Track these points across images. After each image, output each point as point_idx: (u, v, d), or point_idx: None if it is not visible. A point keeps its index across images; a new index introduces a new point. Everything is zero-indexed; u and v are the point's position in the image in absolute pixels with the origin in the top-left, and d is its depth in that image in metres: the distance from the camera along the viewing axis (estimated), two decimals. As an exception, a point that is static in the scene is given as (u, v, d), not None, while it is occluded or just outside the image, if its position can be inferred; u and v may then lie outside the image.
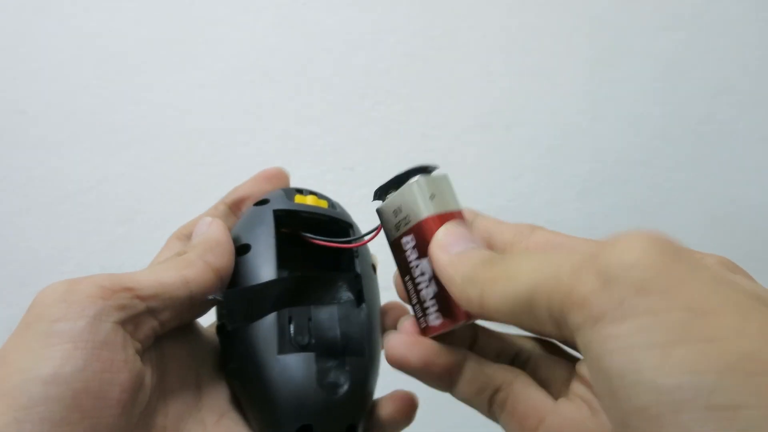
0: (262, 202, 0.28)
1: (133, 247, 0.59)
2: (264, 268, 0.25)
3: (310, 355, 0.24)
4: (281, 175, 0.32)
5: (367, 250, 0.29)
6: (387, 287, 0.28)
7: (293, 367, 0.23)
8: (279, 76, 0.60)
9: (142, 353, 0.22)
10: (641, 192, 0.64)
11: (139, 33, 0.59)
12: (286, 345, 0.24)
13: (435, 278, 0.23)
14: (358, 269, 0.27)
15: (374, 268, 0.29)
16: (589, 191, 0.64)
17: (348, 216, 0.30)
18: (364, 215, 0.31)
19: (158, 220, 0.59)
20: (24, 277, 0.58)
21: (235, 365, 0.25)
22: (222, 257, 0.25)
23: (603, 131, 0.64)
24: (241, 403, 0.25)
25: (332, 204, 0.30)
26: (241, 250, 0.26)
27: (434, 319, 0.23)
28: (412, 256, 0.23)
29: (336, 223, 0.28)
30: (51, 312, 0.20)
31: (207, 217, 0.27)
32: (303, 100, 0.60)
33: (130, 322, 0.21)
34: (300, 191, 0.30)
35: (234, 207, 0.31)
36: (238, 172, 0.60)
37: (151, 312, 0.22)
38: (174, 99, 0.59)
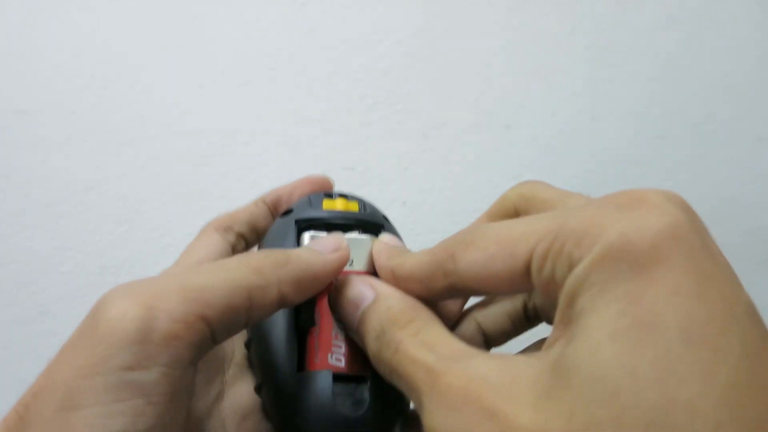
0: (286, 213, 0.28)
1: (133, 247, 0.59)
2: None
3: (326, 373, 0.23)
4: (324, 182, 0.31)
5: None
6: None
7: (311, 386, 0.23)
8: (279, 76, 0.60)
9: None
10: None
11: (139, 33, 0.59)
12: (305, 362, 0.24)
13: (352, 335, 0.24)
14: None
15: None
16: (589, 191, 0.63)
17: (379, 216, 0.28)
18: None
19: (158, 220, 0.59)
20: (24, 277, 0.58)
21: (258, 382, 0.25)
22: (301, 296, 0.22)
23: (603, 131, 0.64)
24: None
25: (363, 205, 0.28)
26: None
27: (334, 360, 0.24)
28: None
29: (364, 226, 0.27)
30: (122, 357, 0.17)
31: (339, 240, 0.24)
32: (303, 100, 0.60)
33: (198, 355, 0.19)
34: (330, 195, 0.29)
35: (272, 207, 0.30)
36: (238, 172, 0.61)
37: (213, 336, 0.20)
38: (174, 99, 0.59)
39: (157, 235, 0.59)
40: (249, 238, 0.29)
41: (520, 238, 0.18)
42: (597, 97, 0.63)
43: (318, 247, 0.23)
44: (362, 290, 0.23)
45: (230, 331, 0.20)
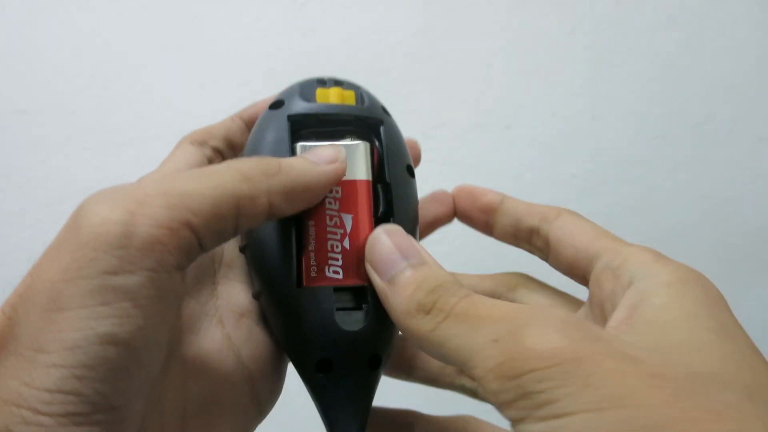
0: (277, 105, 0.26)
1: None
2: None
3: (328, 290, 0.23)
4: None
5: (399, 147, 0.26)
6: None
7: (311, 302, 0.23)
8: (279, 76, 0.60)
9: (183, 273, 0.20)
10: (641, 192, 0.64)
11: (139, 33, 0.59)
12: (301, 276, 0.23)
13: (350, 237, 0.23)
14: (387, 177, 0.25)
15: (411, 169, 0.26)
16: (589, 191, 0.64)
17: (378, 110, 0.26)
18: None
19: (158, 220, 0.59)
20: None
21: (256, 290, 0.24)
22: (291, 207, 0.21)
23: (603, 131, 0.64)
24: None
25: (360, 95, 0.27)
26: None
27: (331, 272, 0.23)
28: (332, 205, 0.23)
29: (363, 122, 0.25)
30: (106, 261, 0.17)
31: (337, 152, 0.23)
32: (303, 100, 0.60)
33: (184, 260, 0.19)
34: (323, 82, 0.27)
35: (249, 123, 0.29)
36: (238, 172, 0.60)
37: (199, 243, 0.19)
38: (174, 99, 0.59)
39: (157, 235, 0.59)
40: (225, 153, 0.28)
41: (609, 236, 0.24)
42: (597, 97, 0.63)
43: (313, 158, 0.23)
44: (409, 246, 0.22)
45: (219, 239, 0.20)
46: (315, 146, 0.23)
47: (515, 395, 0.17)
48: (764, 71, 0.65)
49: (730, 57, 0.65)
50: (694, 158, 0.65)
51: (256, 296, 0.24)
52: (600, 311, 0.22)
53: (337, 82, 0.27)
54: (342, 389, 0.23)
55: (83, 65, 0.58)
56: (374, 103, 0.27)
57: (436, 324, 0.20)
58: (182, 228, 0.18)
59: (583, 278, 0.24)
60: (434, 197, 0.30)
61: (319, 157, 0.23)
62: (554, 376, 0.16)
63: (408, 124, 0.64)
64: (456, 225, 0.31)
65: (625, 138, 0.64)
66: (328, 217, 0.23)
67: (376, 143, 0.25)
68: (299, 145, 0.24)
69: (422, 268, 0.21)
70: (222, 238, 0.20)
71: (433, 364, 0.29)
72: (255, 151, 0.25)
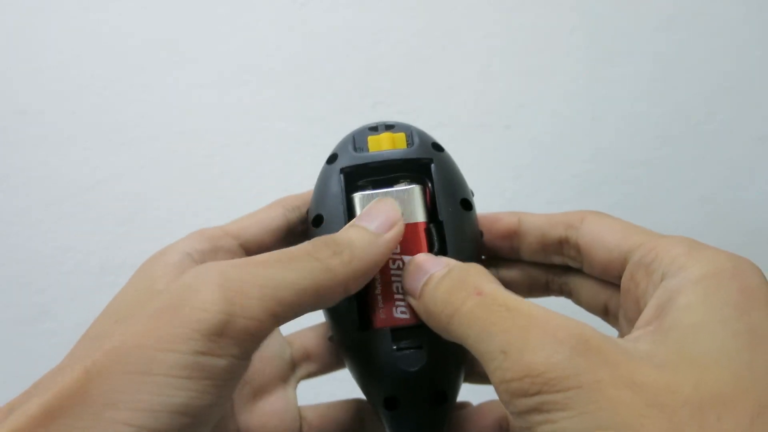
0: (332, 159, 0.28)
1: (133, 247, 0.59)
2: None
3: (386, 332, 0.24)
4: None
5: (451, 183, 0.27)
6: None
7: (372, 345, 0.24)
8: (279, 76, 0.60)
9: None
10: (641, 192, 0.64)
11: (139, 33, 0.59)
12: (370, 318, 0.25)
13: None
14: (440, 215, 0.26)
15: (466, 203, 0.27)
16: (589, 191, 0.64)
17: (427, 149, 0.28)
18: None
19: (158, 220, 0.59)
20: (24, 277, 0.58)
21: (330, 334, 0.26)
22: (362, 284, 0.23)
23: (603, 131, 0.64)
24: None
25: (411, 136, 0.28)
26: (315, 222, 0.26)
27: (399, 313, 0.24)
28: (395, 250, 0.25)
29: (413, 164, 0.27)
30: (202, 343, 0.19)
31: (393, 211, 0.24)
32: (303, 100, 0.60)
33: (259, 346, 0.20)
34: (374, 129, 0.28)
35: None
36: (238, 172, 0.61)
37: (273, 329, 0.21)
38: (174, 99, 0.59)
39: (157, 235, 0.59)
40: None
41: (639, 230, 0.24)
42: (597, 97, 0.63)
43: (373, 225, 0.23)
44: (433, 263, 0.23)
45: (295, 315, 0.21)
46: (371, 195, 0.25)
47: (521, 410, 0.18)
48: (764, 71, 0.65)
49: (730, 57, 0.65)
50: (694, 158, 0.65)
51: (330, 339, 0.27)
52: (635, 308, 0.22)
53: (388, 126, 0.28)
54: (408, 425, 0.25)
55: (83, 65, 0.58)
56: (424, 143, 0.28)
57: (449, 318, 0.21)
58: (269, 319, 0.20)
59: (618, 278, 0.24)
60: None
61: (380, 224, 0.23)
62: (557, 401, 0.17)
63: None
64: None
65: (625, 138, 0.64)
66: (391, 261, 0.25)
67: (429, 185, 0.27)
68: (355, 196, 0.26)
69: (443, 271, 0.22)
70: (297, 315, 0.22)
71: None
72: (316, 205, 0.26)
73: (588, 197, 0.63)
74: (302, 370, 0.30)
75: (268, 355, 0.28)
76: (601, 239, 0.24)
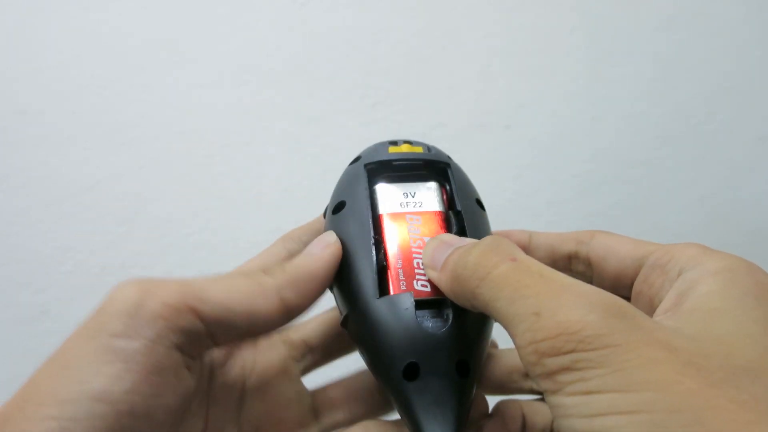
0: (355, 160, 0.29)
1: (133, 247, 0.59)
2: (358, 222, 0.26)
3: (408, 295, 0.24)
4: None
5: (466, 185, 0.29)
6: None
7: (392, 309, 0.24)
8: (279, 76, 0.60)
9: (192, 366, 0.22)
10: (641, 192, 0.64)
11: (139, 33, 0.59)
12: (392, 289, 0.25)
13: None
14: (458, 206, 0.27)
15: (480, 203, 0.29)
16: (589, 191, 0.64)
17: (445, 156, 0.30)
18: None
19: (158, 220, 0.59)
20: (24, 277, 0.58)
21: (344, 314, 0.26)
22: (303, 296, 0.24)
23: (603, 131, 0.64)
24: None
25: (428, 148, 0.30)
26: (338, 208, 0.27)
27: (419, 286, 0.25)
28: (415, 231, 0.26)
29: (431, 165, 0.28)
30: (114, 325, 0.20)
31: (329, 237, 0.26)
32: (303, 100, 0.60)
33: (186, 343, 0.21)
34: (394, 142, 0.30)
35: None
36: (238, 172, 0.61)
37: (209, 334, 0.22)
38: (174, 99, 0.59)
39: (157, 235, 0.59)
40: None
41: (649, 244, 0.25)
42: (597, 97, 0.63)
43: (312, 249, 0.25)
44: (459, 239, 0.24)
45: (232, 332, 0.22)
46: (393, 187, 0.27)
47: (551, 370, 0.18)
48: (764, 71, 0.65)
49: (730, 57, 0.65)
50: (694, 158, 0.65)
51: (343, 323, 0.26)
52: (649, 308, 0.23)
53: (407, 141, 0.30)
54: (431, 395, 0.23)
55: (83, 65, 0.58)
56: (440, 152, 0.30)
57: (480, 280, 0.20)
58: (187, 310, 0.21)
59: (629, 288, 0.25)
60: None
61: (315, 247, 0.25)
62: (591, 359, 0.17)
63: (408, 124, 0.65)
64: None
65: (625, 138, 0.64)
66: (411, 240, 0.26)
67: (446, 185, 0.28)
68: (377, 187, 0.27)
69: (471, 247, 0.22)
70: (236, 332, 0.23)
71: (498, 372, 0.29)
72: (338, 195, 0.28)
73: (588, 197, 0.63)
74: (306, 360, 0.30)
75: (284, 402, 0.28)
76: (613, 250, 0.25)
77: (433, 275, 0.24)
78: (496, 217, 0.62)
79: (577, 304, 0.18)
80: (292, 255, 0.29)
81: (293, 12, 0.60)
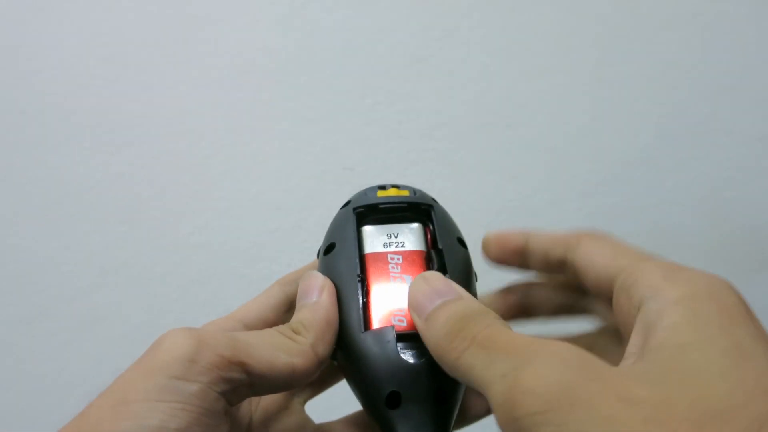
0: (346, 204, 0.31)
1: (133, 247, 0.59)
2: (346, 262, 0.28)
3: (390, 329, 0.26)
4: None
5: (448, 225, 0.31)
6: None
7: (376, 342, 0.26)
8: (279, 76, 0.60)
9: (229, 412, 0.24)
10: (641, 192, 0.64)
11: (138, 33, 0.59)
12: (371, 325, 0.27)
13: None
14: (440, 244, 0.29)
15: (461, 241, 0.31)
16: (589, 191, 0.64)
17: (428, 198, 0.32)
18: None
19: (158, 219, 0.59)
20: (24, 277, 0.58)
21: (338, 357, 0.27)
22: (329, 345, 0.26)
23: (603, 131, 0.64)
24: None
25: (413, 191, 0.32)
26: (328, 249, 0.29)
27: (396, 321, 0.27)
28: (395, 270, 0.28)
29: (416, 208, 0.31)
30: (174, 368, 0.21)
31: (317, 280, 0.28)
32: (303, 100, 0.60)
33: (231, 391, 0.23)
34: (382, 187, 0.32)
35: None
36: (238, 172, 0.61)
37: (251, 385, 0.24)
38: (174, 99, 0.59)
39: (157, 235, 0.59)
40: None
41: (623, 256, 0.24)
42: (597, 97, 0.63)
43: (309, 299, 0.27)
44: (445, 286, 0.25)
45: (272, 386, 0.24)
46: (379, 229, 0.30)
47: None
48: (764, 71, 0.65)
49: (730, 57, 0.65)
50: (694, 158, 0.65)
51: (333, 356, 0.27)
52: (626, 331, 0.23)
53: (395, 185, 0.32)
54: (413, 422, 0.25)
55: (83, 65, 0.58)
56: (425, 195, 0.32)
57: (460, 352, 0.21)
58: (238, 364, 0.23)
59: (611, 302, 0.25)
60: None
61: (312, 294, 0.27)
62: (550, 421, 0.17)
63: (408, 124, 0.65)
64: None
65: (625, 138, 0.64)
66: (392, 278, 0.28)
67: (429, 226, 0.30)
68: (365, 228, 0.30)
69: (457, 302, 0.23)
70: (277, 386, 0.25)
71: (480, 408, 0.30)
72: (329, 237, 0.30)
73: (588, 197, 0.64)
74: (305, 393, 0.32)
75: None
76: (592, 262, 0.25)
77: (418, 321, 0.24)
78: (496, 217, 0.63)
79: (536, 360, 0.18)
80: (289, 299, 0.31)
81: (293, 12, 0.60)
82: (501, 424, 0.18)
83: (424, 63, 0.62)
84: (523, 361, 0.18)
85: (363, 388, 0.27)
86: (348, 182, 0.60)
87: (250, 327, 0.29)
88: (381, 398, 0.25)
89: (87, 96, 0.58)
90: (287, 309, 0.31)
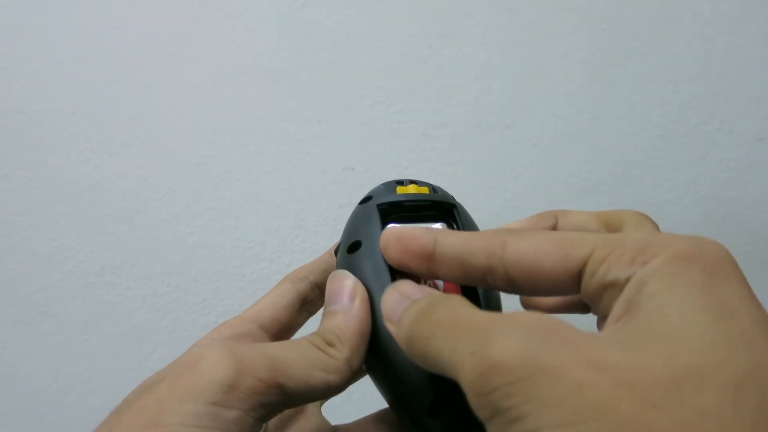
0: (366, 200, 0.30)
1: (133, 247, 0.59)
2: (375, 262, 0.27)
3: None
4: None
5: (472, 224, 0.31)
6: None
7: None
8: (279, 76, 0.60)
9: (261, 427, 0.23)
10: (641, 192, 0.64)
11: (139, 33, 0.59)
12: None
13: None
14: None
15: None
16: (589, 191, 0.64)
17: (450, 197, 0.31)
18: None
19: (158, 219, 0.59)
20: (24, 277, 0.58)
21: (368, 360, 0.27)
22: (362, 356, 0.25)
23: (603, 131, 0.64)
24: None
25: (433, 189, 0.31)
26: (353, 247, 0.28)
27: None
28: None
29: (439, 206, 0.30)
30: (212, 393, 0.21)
31: (348, 281, 0.26)
32: (303, 100, 0.60)
33: (268, 414, 0.22)
34: (400, 182, 0.31)
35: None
36: (238, 172, 0.61)
37: (285, 404, 0.23)
38: (174, 99, 0.59)
39: (157, 235, 0.59)
40: (323, 286, 0.31)
41: (577, 243, 0.20)
42: (597, 97, 0.64)
43: (340, 305, 0.26)
44: (414, 289, 0.23)
45: (307, 400, 0.24)
46: (404, 227, 0.27)
47: (489, 412, 0.17)
48: (764, 71, 0.65)
49: (730, 57, 0.65)
50: (694, 158, 0.65)
51: (367, 369, 0.27)
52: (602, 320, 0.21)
53: (413, 181, 0.31)
54: (456, 430, 0.25)
55: (83, 65, 0.58)
56: (446, 192, 0.31)
57: (427, 340, 0.20)
58: (276, 387, 0.22)
59: (579, 305, 0.24)
60: None
61: (344, 298, 0.26)
62: (520, 392, 0.16)
63: (408, 124, 0.65)
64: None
65: (625, 138, 0.64)
66: (422, 280, 0.27)
67: (453, 225, 0.30)
68: (389, 226, 0.28)
69: (425, 299, 0.22)
70: (312, 400, 0.24)
71: None
72: (354, 234, 0.29)
73: (588, 197, 0.64)
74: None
75: None
76: (534, 266, 0.21)
77: (391, 329, 0.23)
78: (496, 217, 0.63)
79: (502, 332, 0.17)
80: (301, 296, 0.30)
81: (293, 12, 0.60)
82: (474, 405, 0.17)
83: (424, 63, 0.62)
84: (490, 335, 0.17)
85: (402, 397, 0.26)
86: (348, 182, 0.60)
87: (265, 329, 0.28)
88: (422, 407, 0.25)
89: (87, 96, 0.58)
90: (300, 307, 0.30)
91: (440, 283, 0.27)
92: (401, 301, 0.23)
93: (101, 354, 0.58)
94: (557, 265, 0.20)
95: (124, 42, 0.58)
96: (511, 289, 0.22)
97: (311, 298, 0.30)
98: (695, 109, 0.65)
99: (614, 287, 0.19)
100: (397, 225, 0.28)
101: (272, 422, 0.28)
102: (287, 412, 0.29)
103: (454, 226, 0.30)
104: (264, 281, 0.60)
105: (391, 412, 0.30)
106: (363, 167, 0.60)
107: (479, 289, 0.27)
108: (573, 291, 0.20)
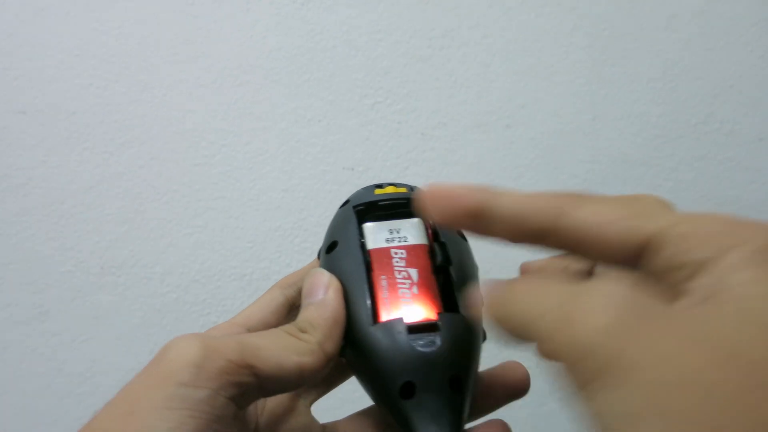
0: (345, 204, 0.31)
1: (133, 247, 0.59)
2: (350, 259, 0.28)
3: (399, 320, 0.26)
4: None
5: None
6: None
7: (386, 333, 0.26)
8: (279, 76, 0.60)
9: (238, 416, 0.24)
10: (641, 192, 0.64)
11: (139, 33, 0.59)
12: (376, 317, 0.27)
13: (418, 285, 0.28)
14: (442, 238, 0.29)
15: (462, 235, 0.31)
16: (588, 191, 0.64)
17: None
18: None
19: (158, 219, 0.59)
20: (24, 277, 0.58)
21: (347, 354, 0.27)
22: (337, 343, 0.26)
23: (603, 131, 0.64)
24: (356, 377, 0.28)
25: (411, 188, 0.32)
26: (330, 248, 0.29)
27: (407, 312, 0.27)
28: (399, 263, 0.28)
29: (413, 204, 0.30)
30: (181, 375, 0.21)
31: (323, 277, 0.28)
32: (303, 100, 0.60)
33: (240, 395, 0.23)
34: (380, 185, 0.32)
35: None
36: (238, 172, 0.61)
37: (260, 388, 0.23)
38: (174, 99, 0.59)
39: (157, 235, 0.59)
40: None
41: (645, 217, 0.20)
42: (597, 97, 0.64)
43: (315, 298, 0.27)
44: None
45: (282, 386, 0.24)
46: (380, 225, 0.30)
47: (582, 389, 0.16)
48: (764, 71, 0.65)
49: (730, 57, 0.65)
50: (694, 158, 0.65)
51: (342, 353, 0.27)
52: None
53: (391, 183, 0.32)
54: (428, 411, 0.25)
55: (83, 65, 0.58)
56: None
57: (501, 303, 0.19)
58: (246, 368, 0.22)
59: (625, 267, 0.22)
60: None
61: (318, 292, 0.27)
62: (610, 358, 0.15)
63: (408, 124, 0.65)
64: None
65: (625, 138, 0.64)
66: (396, 271, 0.28)
67: (429, 220, 0.30)
68: (366, 225, 0.30)
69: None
70: (287, 386, 0.25)
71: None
72: (331, 235, 0.30)
73: (588, 197, 0.63)
74: (311, 394, 0.31)
75: None
76: (600, 227, 0.20)
77: (308, 304, 0.26)
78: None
79: (593, 310, 0.16)
80: (290, 302, 0.30)
81: (293, 12, 0.60)
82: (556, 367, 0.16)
83: (424, 63, 0.62)
84: (576, 305, 0.16)
85: (375, 381, 0.26)
86: (348, 182, 0.60)
87: (254, 331, 0.29)
88: (395, 389, 0.25)
89: (87, 96, 0.58)
90: (288, 312, 0.31)
91: (413, 271, 0.28)
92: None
93: (101, 354, 0.58)
94: (620, 236, 0.19)
95: (124, 42, 0.58)
96: (562, 250, 0.21)
97: (299, 304, 0.31)
98: (695, 110, 0.65)
99: (688, 267, 0.18)
100: (373, 224, 0.30)
101: (262, 422, 0.29)
102: (277, 411, 0.29)
103: (431, 221, 0.30)
104: (264, 281, 0.60)
105: (375, 408, 0.31)
106: (363, 167, 0.60)
107: (448, 248, 0.28)
108: (628, 262, 0.19)
